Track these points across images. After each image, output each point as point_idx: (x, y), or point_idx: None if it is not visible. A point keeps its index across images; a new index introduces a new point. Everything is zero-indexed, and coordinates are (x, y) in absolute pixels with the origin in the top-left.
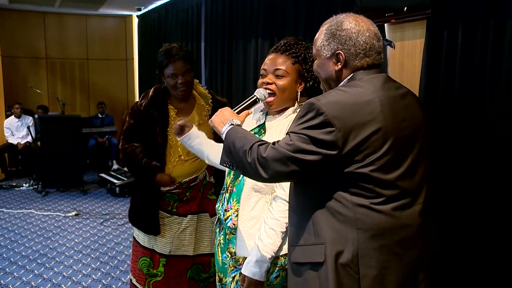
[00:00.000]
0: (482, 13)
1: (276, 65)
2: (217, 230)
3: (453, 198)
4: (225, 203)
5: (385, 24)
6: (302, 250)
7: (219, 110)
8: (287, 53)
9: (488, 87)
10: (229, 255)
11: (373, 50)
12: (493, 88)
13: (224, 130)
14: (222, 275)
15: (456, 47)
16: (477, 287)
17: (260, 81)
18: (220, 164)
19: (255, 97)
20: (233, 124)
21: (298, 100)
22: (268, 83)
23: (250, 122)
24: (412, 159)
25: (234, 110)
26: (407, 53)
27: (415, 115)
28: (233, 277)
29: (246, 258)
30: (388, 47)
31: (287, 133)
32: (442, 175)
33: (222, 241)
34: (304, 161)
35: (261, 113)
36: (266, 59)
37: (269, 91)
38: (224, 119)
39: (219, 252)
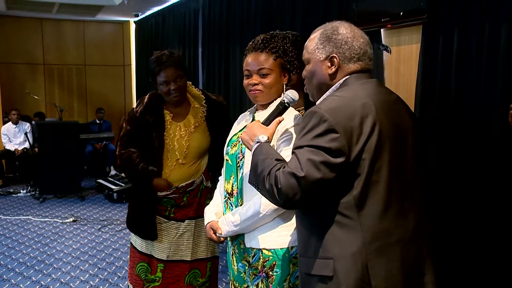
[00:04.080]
0: (477, 18)
1: (259, 64)
2: (229, 238)
3: (448, 200)
4: (233, 207)
5: (382, 29)
6: (311, 262)
7: (247, 126)
8: (267, 50)
9: (484, 91)
10: (247, 264)
11: (366, 56)
12: (489, 91)
13: (252, 149)
14: (237, 284)
15: (451, 51)
16: (474, 284)
17: (245, 82)
18: (248, 182)
19: (285, 103)
20: (259, 142)
21: (284, 92)
22: (255, 84)
23: (239, 125)
24: (405, 162)
25: (263, 123)
26: (403, 58)
27: (406, 120)
28: (257, 285)
29: (258, 253)
30: (385, 52)
31: (292, 151)
32: (437, 178)
33: (237, 250)
34: (318, 181)
35: (249, 113)
36: (247, 58)
37: (257, 91)
38: (252, 135)
39: (234, 261)
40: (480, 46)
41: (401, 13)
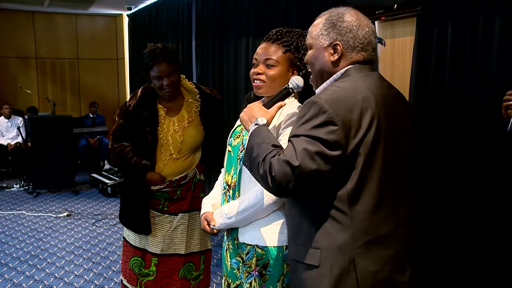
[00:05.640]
0: (471, 10)
1: (267, 54)
2: (225, 233)
3: (441, 195)
4: (231, 199)
5: (376, 22)
6: (300, 249)
7: (248, 106)
8: (279, 42)
9: (478, 84)
10: (241, 261)
11: (370, 46)
12: (483, 84)
13: (249, 130)
14: (230, 280)
15: (446, 44)
16: (471, 284)
17: (251, 71)
18: (242, 163)
19: (289, 88)
20: (257, 124)
21: None
22: (259, 73)
23: None
24: (399, 159)
25: (264, 105)
26: (397, 51)
27: (404, 116)
28: (250, 283)
29: (251, 250)
30: (379, 45)
31: (289, 139)
32: (431, 171)
33: (231, 246)
34: (312, 172)
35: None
36: (258, 48)
37: (259, 81)
38: (251, 116)
39: (228, 256)
40: (474, 38)
41: (395, 6)
